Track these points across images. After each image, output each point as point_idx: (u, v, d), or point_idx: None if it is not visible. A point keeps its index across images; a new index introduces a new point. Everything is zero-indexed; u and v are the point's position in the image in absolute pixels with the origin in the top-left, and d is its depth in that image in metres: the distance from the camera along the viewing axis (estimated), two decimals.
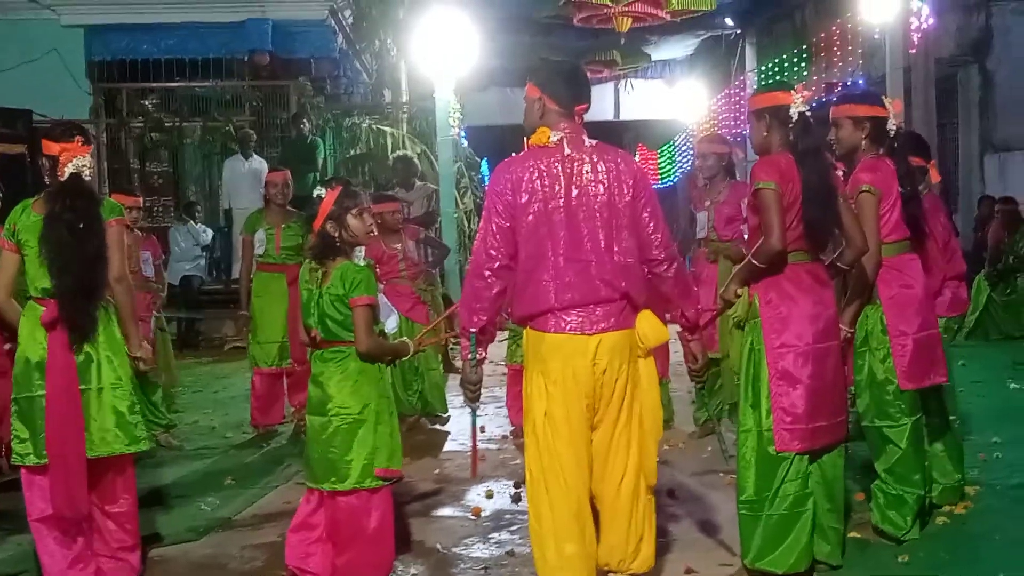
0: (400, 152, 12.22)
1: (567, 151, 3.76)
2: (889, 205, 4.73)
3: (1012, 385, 8.09)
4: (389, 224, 7.50)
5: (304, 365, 6.63)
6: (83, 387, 4.24)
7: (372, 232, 4.60)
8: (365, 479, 4.21)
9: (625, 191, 3.74)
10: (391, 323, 4.86)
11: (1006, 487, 5.47)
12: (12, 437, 4.33)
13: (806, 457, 4.28)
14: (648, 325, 3.77)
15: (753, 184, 4.35)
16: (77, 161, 4.31)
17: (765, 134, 4.44)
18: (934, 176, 5.55)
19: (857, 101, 5.05)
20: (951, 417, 5.31)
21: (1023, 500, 5.24)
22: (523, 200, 3.72)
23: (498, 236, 3.74)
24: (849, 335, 4.66)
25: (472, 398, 4.00)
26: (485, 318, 3.84)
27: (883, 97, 5.02)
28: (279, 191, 7.70)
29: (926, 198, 5.29)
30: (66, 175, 4.29)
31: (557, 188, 3.72)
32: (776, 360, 4.26)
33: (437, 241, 9.90)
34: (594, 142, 3.84)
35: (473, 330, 3.81)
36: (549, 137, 3.80)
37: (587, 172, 3.74)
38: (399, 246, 7.57)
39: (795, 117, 4.35)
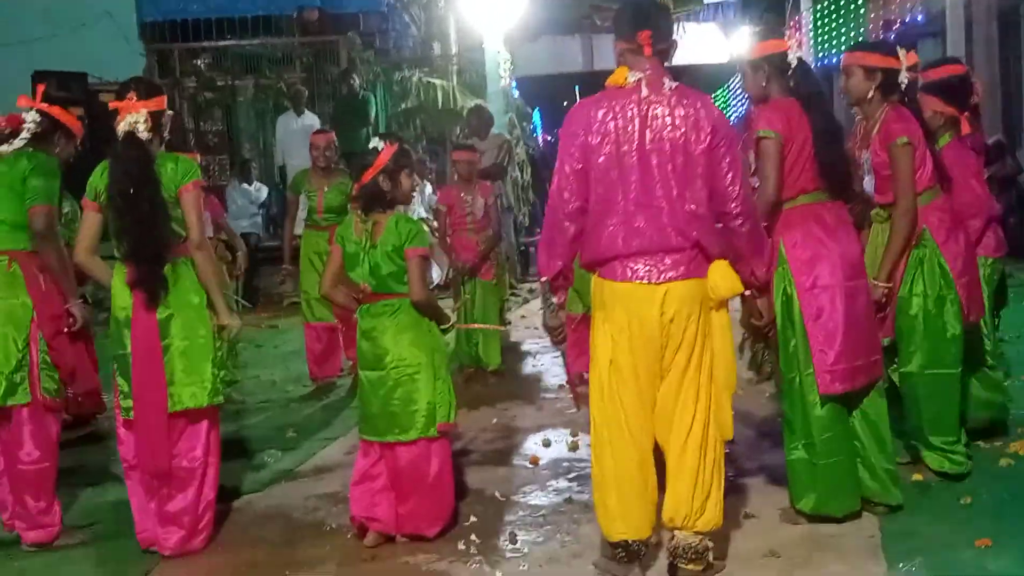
0: (475, 102, 12.27)
1: (644, 92, 3.65)
2: (921, 155, 4.67)
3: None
4: (463, 173, 7.67)
5: (348, 323, 6.74)
6: (165, 343, 4.28)
7: (414, 194, 4.65)
8: (427, 430, 4.29)
9: (703, 138, 3.62)
10: (435, 275, 4.89)
11: None
12: (118, 392, 4.40)
13: (848, 400, 4.30)
14: (720, 276, 3.68)
15: (755, 132, 4.32)
16: (129, 118, 4.26)
17: (764, 84, 4.43)
18: (964, 127, 5.37)
19: (870, 50, 4.97)
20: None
21: None
22: (595, 141, 3.66)
23: (572, 179, 3.69)
24: (886, 290, 4.61)
25: (557, 341, 4.02)
26: (561, 263, 3.80)
27: (898, 48, 4.89)
28: (321, 153, 7.76)
29: (948, 147, 5.16)
30: (120, 134, 4.28)
31: (631, 130, 3.63)
32: (810, 302, 4.23)
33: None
34: (675, 84, 3.69)
35: (545, 278, 3.83)
36: (627, 78, 3.69)
37: (664, 115, 3.63)
38: (470, 198, 7.64)
39: (793, 63, 4.35)
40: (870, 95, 4.69)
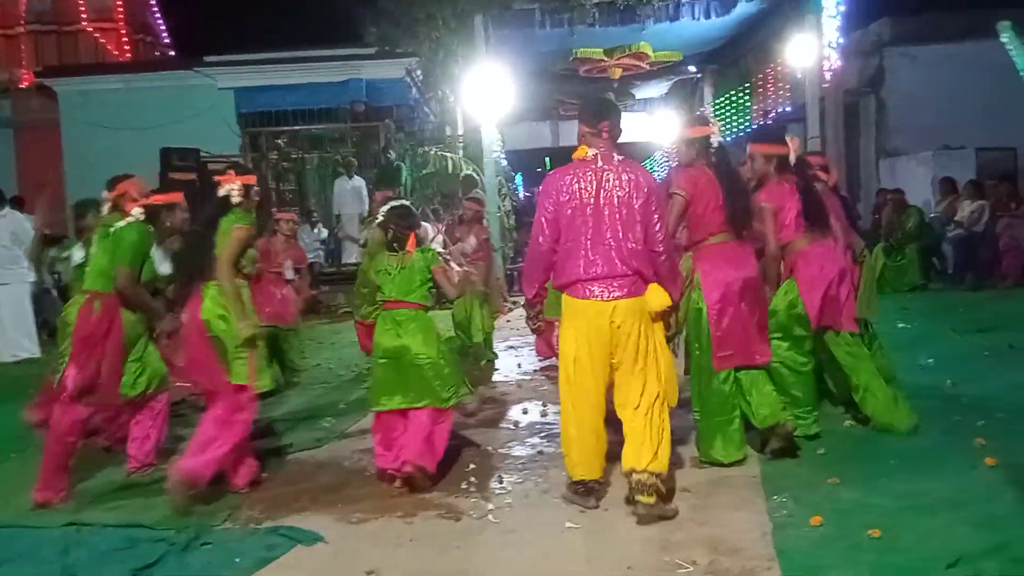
0: (466, 171, 12.35)
1: (600, 163, 3.75)
2: (785, 215, 4.68)
3: (900, 324, 7.96)
4: (467, 217, 7.89)
5: None
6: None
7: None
8: (443, 402, 4.34)
9: (641, 195, 3.71)
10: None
11: None
12: None
13: (736, 375, 4.35)
14: (653, 294, 3.76)
15: (670, 188, 4.38)
16: (227, 187, 4.40)
17: (694, 155, 4.45)
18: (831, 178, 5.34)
19: (767, 141, 4.96)
20: None
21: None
22: (564, 199, 3.75)
23: (545, 227, 3.81)
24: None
25: (534, 331, 5.07)
26: (536, 287, 4.03)
27: (786, 136, 4.89)
28: (378, 207, 7.67)
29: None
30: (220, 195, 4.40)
31: (590, 190, 3.72)
32: (712, 311, 4.30)
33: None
34: (621, 158, 3.80)
35: (526, 298, 4.10)
36: (587, 153, 3.79)
37: (614, 180, 3.72)
38: (471, 238, 7.65)
39: (715, 144, 4.40)
40: (771, 173, 4.71)
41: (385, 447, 4.43)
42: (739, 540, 3.41)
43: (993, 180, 11.16)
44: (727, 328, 4.29)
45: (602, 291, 3.70)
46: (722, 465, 4.28)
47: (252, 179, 4.57)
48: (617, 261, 3.69)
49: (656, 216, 3.77)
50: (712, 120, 4.54)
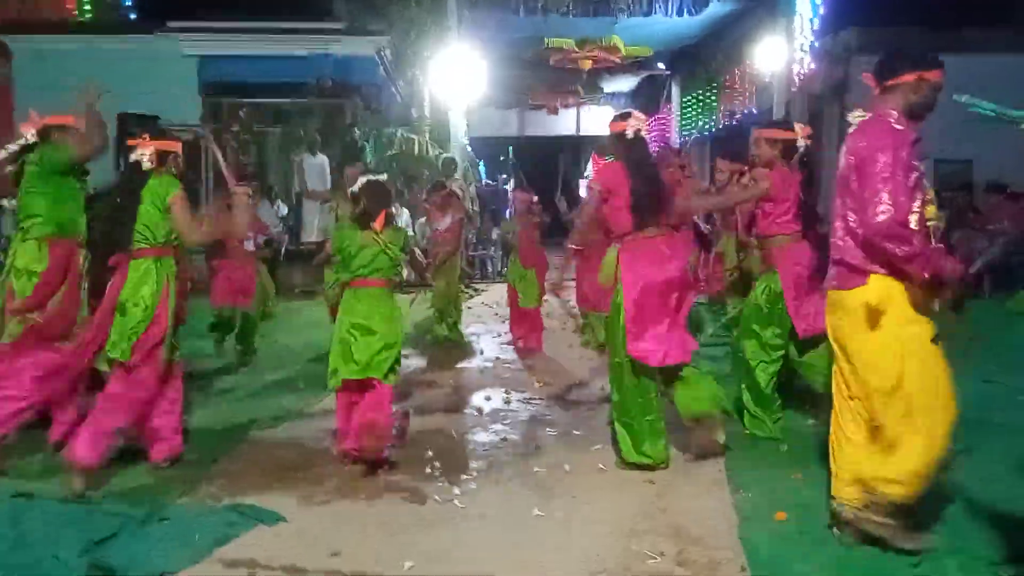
0: (447, 154, 12.31)
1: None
2: (786, 207, 4.60)
3: None
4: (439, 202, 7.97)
5: None
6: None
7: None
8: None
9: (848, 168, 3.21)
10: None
11: None
12: None
13: (657, 377, 4.22)
14: None
15: (593, 184, 4.39)
16: (139, 152, 4.23)
17: (614, 150, 4.43)
18: None
19: (775, 127, 4.91)
20: None
21: None
22: None
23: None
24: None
25: None
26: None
27: (795, 123, 4.84)
28: (350, 182, 7.56)
29: None
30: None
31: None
32: (630, 308, 4.13)
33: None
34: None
35: None
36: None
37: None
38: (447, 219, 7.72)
39: (630, 136, 4.29)
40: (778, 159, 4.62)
41: (344, 426, 4.38)
42: (706, 532, 3.44)
43: (951, 191, 11.41)
44: (644, 326, 4.12)
45: None
46: (650, 468, 4.17)
47: (171, 145, 4.38)
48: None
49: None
50: (634, 115, 4.40)
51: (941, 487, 3.72)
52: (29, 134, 4.52)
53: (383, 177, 4.63)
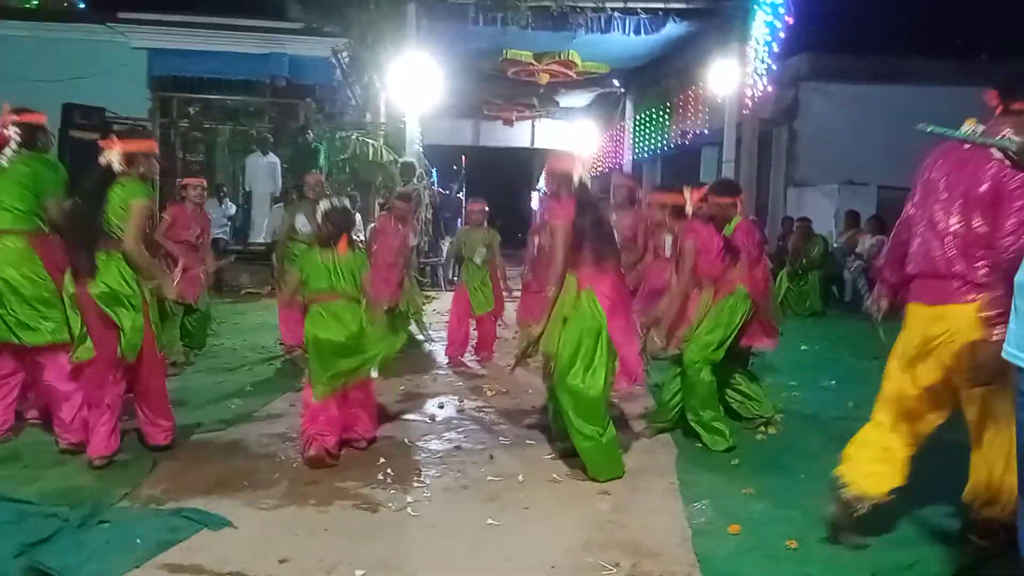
0: (406, 159, 12.18)
1: None
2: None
3: (803, 347, 8.25)
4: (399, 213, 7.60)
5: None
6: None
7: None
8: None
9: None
10: None
11: (801, 415, 5.58)
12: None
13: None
14: None
15: (550, 220, 4.40)
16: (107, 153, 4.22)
17: (556, 187, 4.47)
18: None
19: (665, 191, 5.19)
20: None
21: (813, 425, 5.35)
22: None
23: None
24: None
25: None
26: None
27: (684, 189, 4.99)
28: (311, 188, 7.48)
29: (741, 224, 5.20)
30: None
31: None
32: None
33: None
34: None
35: None
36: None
37: None
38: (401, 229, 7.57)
39: (576, 181, 4.35)
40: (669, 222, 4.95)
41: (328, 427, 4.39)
42: (660, 544, 3.43)
43: (893, 216, 11.74)
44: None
45: None
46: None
47: (140, 145, 4.36)
48: None
49: None
50: (576, 156, 4.54)
51: (893, 504, 3.80)
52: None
53: (346, 202, 4.75)
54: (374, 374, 4.77)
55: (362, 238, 10.30)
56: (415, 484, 4.12)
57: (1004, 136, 2.96)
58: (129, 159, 4.26)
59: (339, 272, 4.46)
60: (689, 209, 4.88)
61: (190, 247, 6.77)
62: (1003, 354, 1.83)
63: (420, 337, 8.20)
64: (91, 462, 4.19)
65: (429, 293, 12.69)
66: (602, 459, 4.21)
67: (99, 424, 4.22)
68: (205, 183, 7.28)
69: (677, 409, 4.98)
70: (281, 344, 7.55)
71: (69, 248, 4.27)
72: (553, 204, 4.50)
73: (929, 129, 2.64)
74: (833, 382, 6.67)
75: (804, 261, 11.22)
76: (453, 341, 7.67)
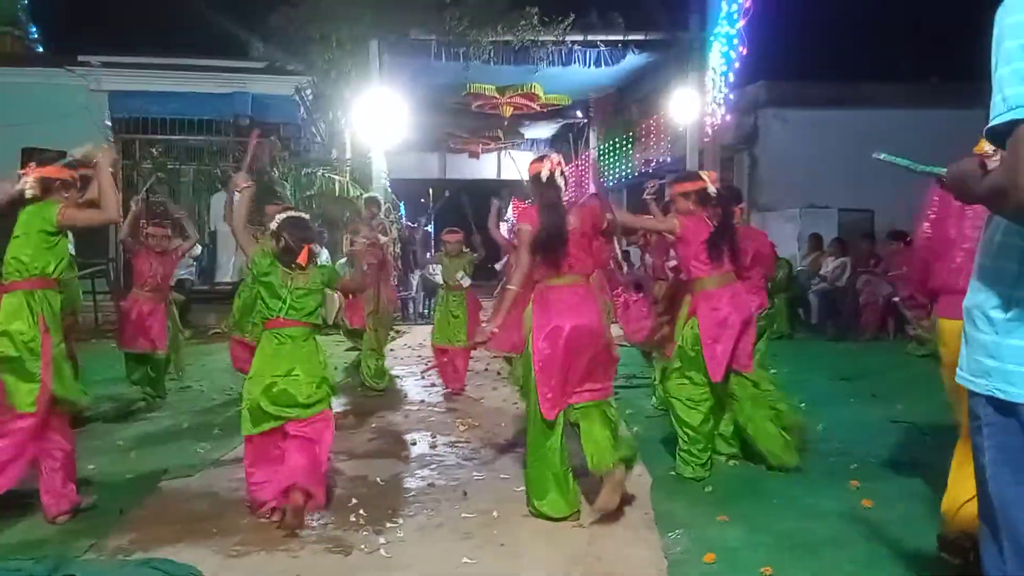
0: (369, 194, 12.16)
1: None
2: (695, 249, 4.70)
3: (771, 371, 8.21)
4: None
5: None
6: None
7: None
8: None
9: None
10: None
11: None
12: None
13: (561, 427, 4.11)
14: None
15: (519, 225, 4.28)
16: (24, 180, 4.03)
17: (532, 192, 4.36)
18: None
19: (683, 180, 4.98)
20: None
21: None
22: None
23: None
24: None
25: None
26: None
27: (701, 172, 4.95)
28: (271, 218, 7.42)
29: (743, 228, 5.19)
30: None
31: None
32: (537, 358, 4.05)
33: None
34: None
35: None
36: None
37: None
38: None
39: (544, 179, 4.20)
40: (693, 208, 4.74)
41: (264, 476, 4.16)
42: None
43: (854, 239, 11.94)
44: (549, 375, 4.02)
45: None
46: (551, 519, 4.05)
47: (58, 172, 4.08)
48: None
49: None
50: (548, 157, 4.35)
51: (852, 526, 3.82)
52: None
53: (300, 213, 4.52)
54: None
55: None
56: (388, 524, 4.06)
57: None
58: (44, 186, 4.03)
59: (300, 295, 4.11)
60: (712, 190, 4.74)
61: (156, 292, 6.73)
62: (956, 378, 1.85)
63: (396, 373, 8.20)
64: (52, 520, 4.04)
65: (400, 327, 12.64)
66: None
67: (49, 480, 4.06)
68: (169, 232, 7.23)
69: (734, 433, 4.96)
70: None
71: None
72: (522, 211, 4.45)
73: (881, 156, 2.70)
74: (803, 405, 6.68)
75: (770, 285, 11.29)
76: (445, 375, 7.72)
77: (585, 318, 4.08)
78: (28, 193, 4.00)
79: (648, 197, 6.23)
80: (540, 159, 4.35)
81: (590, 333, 4.08)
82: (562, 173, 4.25)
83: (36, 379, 3.94)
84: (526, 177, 4.40)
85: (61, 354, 4.11)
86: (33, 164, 4.12)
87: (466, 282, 7.65)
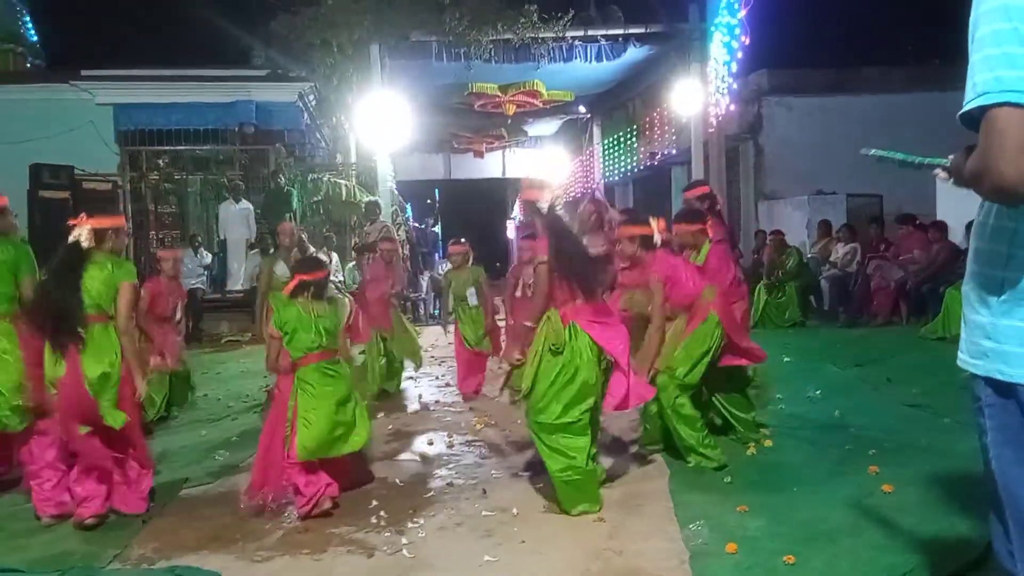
0: (371, 198, 12.22)
1: None
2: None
3: (786, 359, 8.26)
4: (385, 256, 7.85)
5: None
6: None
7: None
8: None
9: None
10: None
11: (789, 428, 5.58)
12: None
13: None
14: None
15: (535, 258, 4.26)
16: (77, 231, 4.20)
17: (529, 219, 4.41)
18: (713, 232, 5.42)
19: (631, 223, 4.99)
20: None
21: (801, 437, 5.35)
22: None
23: None
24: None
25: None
26: None
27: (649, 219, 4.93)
28: (286, 236, 7.46)
29: (713, 250, 5.24)
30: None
31: None
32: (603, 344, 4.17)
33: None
34: None
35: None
36: None
37: None
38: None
39: (543, 209, 4.24)
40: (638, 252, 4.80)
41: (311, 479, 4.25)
42: (658, 569, 3.42)
43: (863, 224, 11.90)
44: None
45: None
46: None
47: (107, 221, 4.32)
48: None
49: None
50: (544, 184, 4.40)
51: (871, 513, 3.82)
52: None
53: (314, 252, 4.77)
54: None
55: (340, 278, 10.30)
56: (409, 525, 4.09)
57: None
58: (98, 236, 4.24)
59: (319, 326, 4.34)
60: (657, 239, 4.80)
61: (165, 319, 6.78)
62: (958, 361, 1.87)
63: (410, 374, 8.21)
64: (82, 522, 4.12)
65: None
66: (573, 491, 4.14)
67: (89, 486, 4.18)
68: (180, 255, 7.29)
69: (662, 428, 4.97)
70: (266, 390, 7.49)
71: (38, 328, 4.21)
72: (535, 243, 4.43)
73: (871, 153, 2.70)
74: (818, 392, 6.69)
75: (780, 273, 11.29)
76: (463, 376, 7.64)
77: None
78: (84, 244, 4.18)
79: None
80: (537, 187, 4.36)
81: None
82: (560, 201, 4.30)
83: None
84: (524, 200, 4.46)
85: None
86: (84, 215, 4.27)
87: (472, 300, 7.52)
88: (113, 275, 4.21)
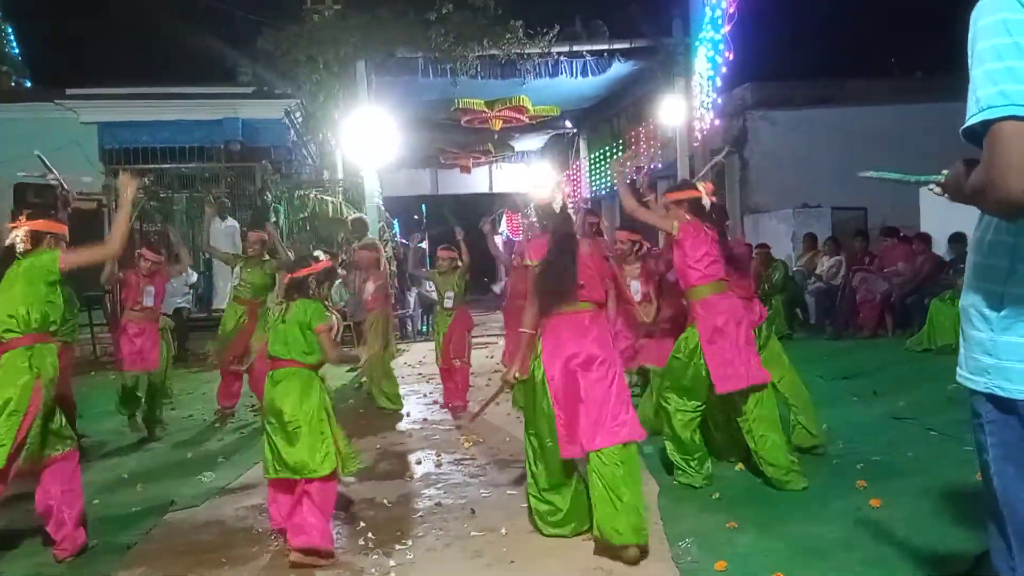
0: (357, 214, 12.20)
1: None
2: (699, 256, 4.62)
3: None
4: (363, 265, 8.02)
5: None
6: None
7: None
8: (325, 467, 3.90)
9: None
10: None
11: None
12: None
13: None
14: None
15: (525, 261, 4.18)
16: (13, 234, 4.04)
17: (540, 221, 4.29)
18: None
19: (677, 188, 4.91)
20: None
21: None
22: None
23: None
24: None
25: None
26: None
27: (696, 182, 4.83)
28: (251, 245, 7.58)
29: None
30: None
31: None
32: (551, 388, 3.89)
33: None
34: None
35: None
36: None
37: None
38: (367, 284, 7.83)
39: (557, 208, 4.07)
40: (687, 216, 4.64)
41: (278, 510, 4.06)
42: None
43: (847, 237, 11.96)
44: (561, 407, 3.85)
45: None
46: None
47: (49, 226, 4.09)
48: None
49: None
50: (550, 182, 4.19)
51: (860, 527, 3.82)
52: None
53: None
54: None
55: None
56: (397, 547, 4.05)
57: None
58: (35, 239, 4.03)
59: (284, 330, 3.96)
60: (706, 202, 4.65)
61: (148, 312, 6.77)
62: (957, 377, 1.86)
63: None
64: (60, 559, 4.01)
65: (400, 345, 12.61)
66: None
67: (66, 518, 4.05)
68: (162, 258, 7.25)
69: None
70: (252, 409, 7.47)
71: None
72: (530, 243, 4.34)
73: (869, 174, 2.71)
74: None
75: (766, 287, 11.32)
76: (448, 390, 7.75)
77: (591, 347, 3.88)
78: (19, 247, 3.98)
79: (643, 189, 6.19)
80: (546, 184, 4.18)
81: (601, 362, 3.87)
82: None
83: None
84: (524, 191, 4.39)
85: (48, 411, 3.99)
86: (23, 217, 4.10)
87: (449, 303, 7.63)
88: (35, 263, 3.96)
